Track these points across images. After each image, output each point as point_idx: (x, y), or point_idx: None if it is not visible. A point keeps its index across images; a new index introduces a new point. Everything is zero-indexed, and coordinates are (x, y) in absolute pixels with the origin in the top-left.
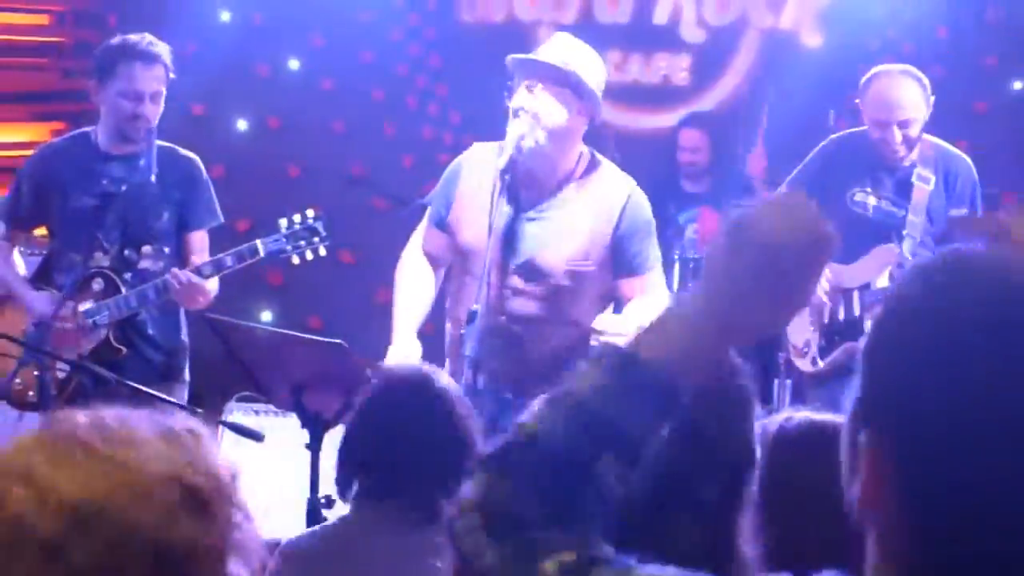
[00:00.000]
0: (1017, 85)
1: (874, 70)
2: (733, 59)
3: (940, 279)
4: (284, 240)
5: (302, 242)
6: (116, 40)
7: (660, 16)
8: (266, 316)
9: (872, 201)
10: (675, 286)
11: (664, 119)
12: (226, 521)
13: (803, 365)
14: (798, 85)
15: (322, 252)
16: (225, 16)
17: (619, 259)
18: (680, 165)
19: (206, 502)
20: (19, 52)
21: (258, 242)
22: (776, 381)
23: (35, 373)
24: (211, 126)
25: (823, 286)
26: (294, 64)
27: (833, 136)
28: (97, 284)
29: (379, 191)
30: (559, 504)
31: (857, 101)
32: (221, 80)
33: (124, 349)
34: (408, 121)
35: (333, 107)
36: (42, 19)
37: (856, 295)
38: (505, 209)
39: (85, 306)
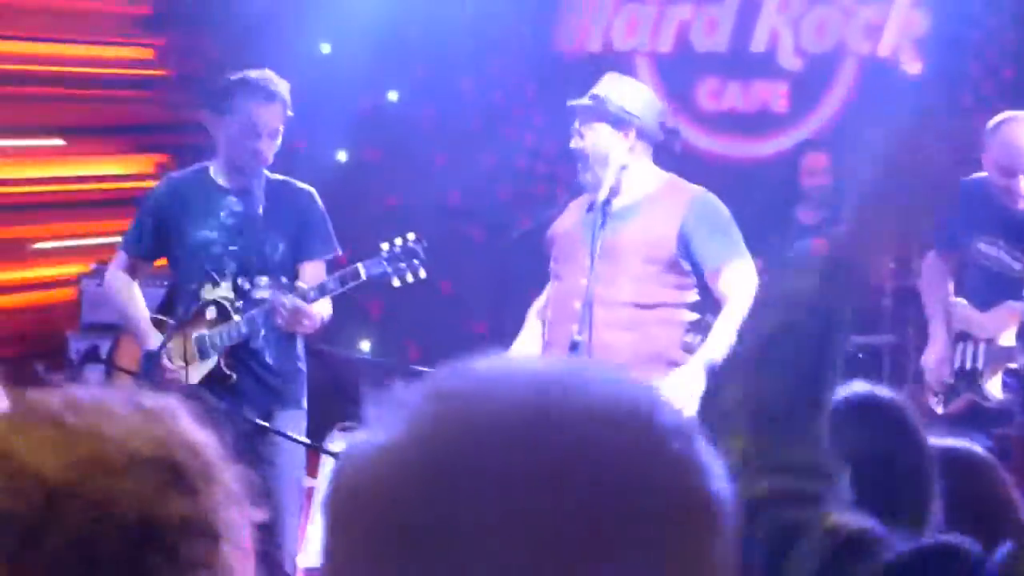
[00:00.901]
0: None
1: (1000, 116)
2: (831, 86)
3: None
4: (385, 263)
5: (402, 264)
6: (237, 75)
7: (758, 44)
8: (366, 346)
9: (996, 252)
10: None
11: (762, 147)
12: (215, 499)
13: (936, 406)
14: (897, 113)
15: (422, 275)
16: (326, 48)
17: (692, 253)
18: (803, 190)
19: (191, 478)
20: (124, 85)
21: (359, 265)
22: None
23: None
24: (311, 158)
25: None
26: (393, 96)
27: (962, 182)
28: (210, 313)
29: (476, 222)
30: (813, 392)
31: (986, 143)
32: (321, 112)
33: (234, 375)
34: (505, 151)
35: (431, 138)
36: (146, 52)
37: (982, 347)
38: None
39: (198, 333)
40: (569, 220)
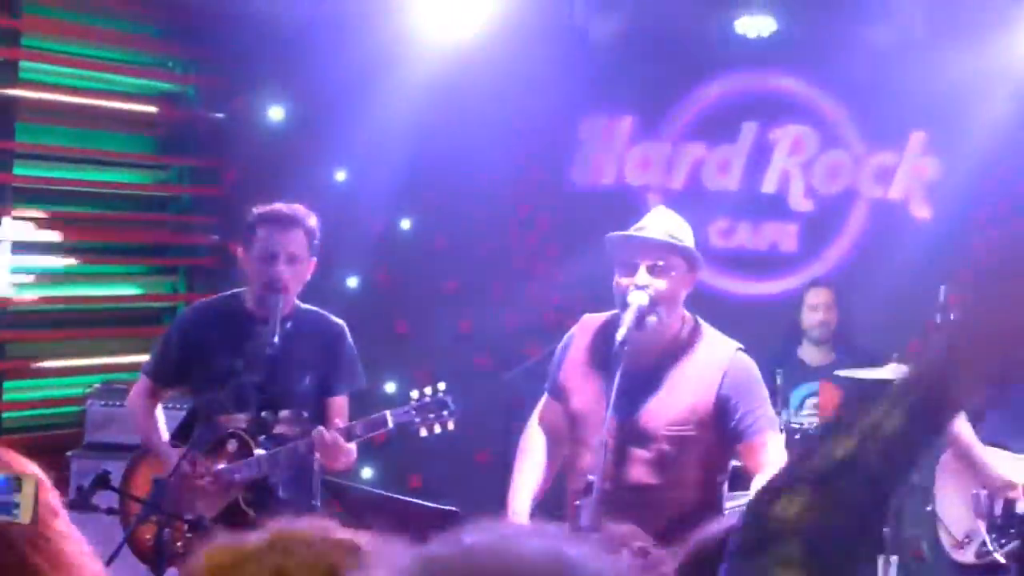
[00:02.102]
0: None
1: None
2: (842, 229)
3: None
4: (413, 412)
5: (431, 415)
6: (258, 208)
7: (769, 185)
8: (367, 473)
9: None
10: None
11: (771, 287)
12: None
13: (962, 556)
14: (908, 257)
15: (450, 427)
16: (340, 175)
17: (725, 422)
18: (803, 330)
19: None
20: (138, 206)
21: (388, 413)
22: (880, 558)
23: (155, 529)
24: (323, 282)
25: (993, 481)
26: (406, 223)
27: None
28: (231, 445)
29: (483, 350)
30: (871, 528)
31: None
32: (335, 237)
33: (252, 513)
34: (515, 281)
35: (443, 265)
36: (161, 174)
37: None
38: (617, 378)
39: (219, 466)
40: (583, 358)
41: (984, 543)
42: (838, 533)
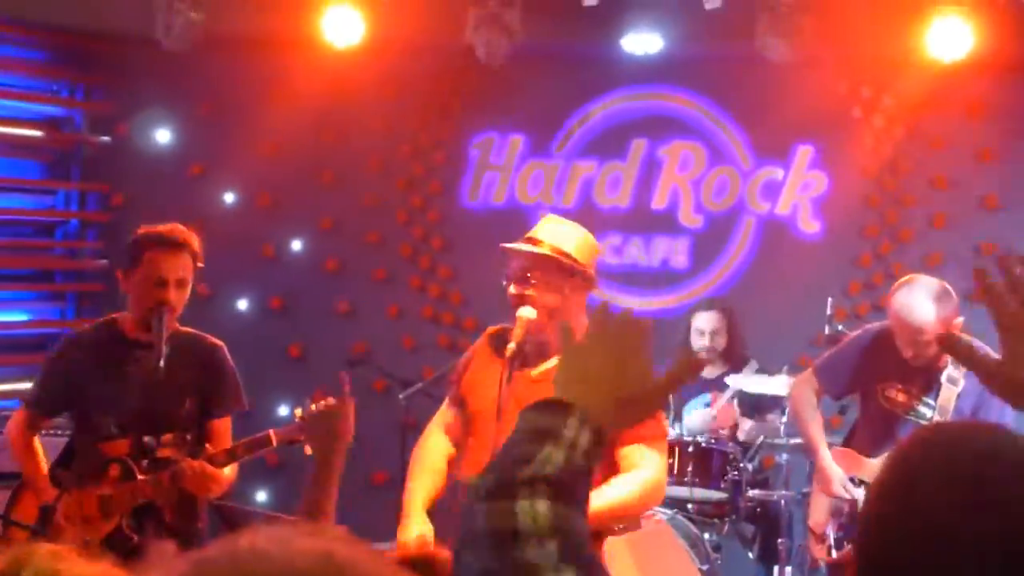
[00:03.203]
0: None
1: (906, 279)
2: (731, 244)
3: (909, 458)
4: (298, 431)
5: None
6: (144, 230)
7: (659, 201)
8: (261, 496)
9: (902, 399)
10: (676, 468)
11: (663, 301)
12: None
13: (818, 552)
14: (796, 271)
15: None
16: (229, 197)
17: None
18: (693, 351)
19: None
20: (25, 232)
21: (271, 432)
22: (776, 568)
23: None
24: (215, 305)
25: (843, 480)
26: (297, 245)
27: (870, 328)
28: (114, 470)
29: (378, 371)
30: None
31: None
32: (225, 260)
33: (136, 537)
34: (410, 301)
35: (336, 287)
36: (47, 199)
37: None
38: (510, 384)
39: (101, 492)
40: (482, 371)
41: (830, 544)
42: (579, 532)
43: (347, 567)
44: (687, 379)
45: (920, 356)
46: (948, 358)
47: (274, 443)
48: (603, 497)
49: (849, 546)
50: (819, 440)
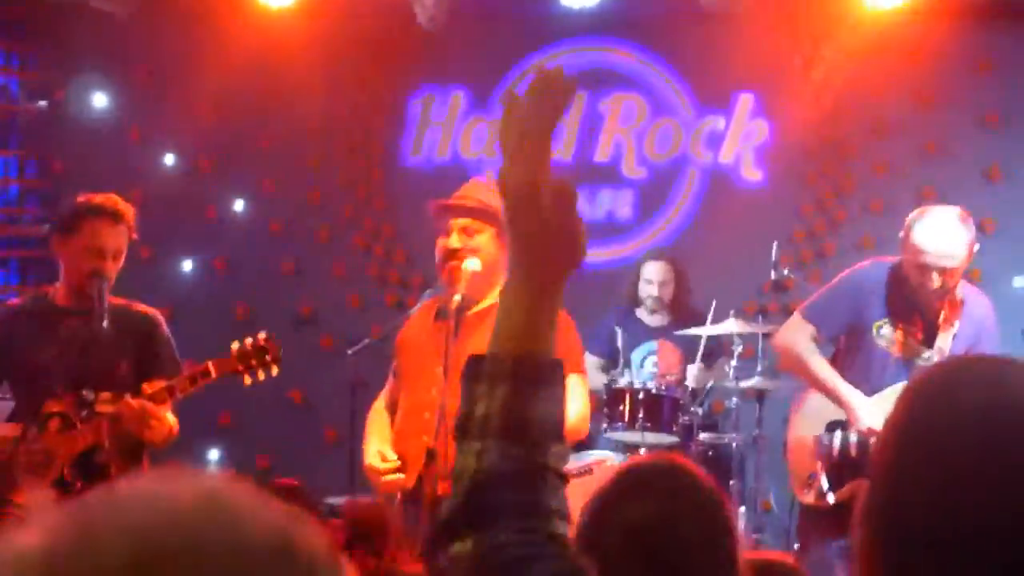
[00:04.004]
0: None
1: (924, 210)
2: (675, 194)
3: (929, 395)
4: (236, 360)
5: (254, 361)
6: (83, 199)
7: (602, 154)
8: (214, 455)
9: (898, 336)
10: (627, 415)
11: (609, 252)
12: None
13: (807, 497)
14: (741, 219)
15: (274, 372)
16: (170, 160)
17: None
18: (641, 299)
19: None
20: None
21: (210, 363)
22: None
23: None
24: (158, 267)
25: (868, 417)
26: (240, 205)
27: (862, 266)
28: (54, 424)
29: (326, 330)
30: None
31: (900, 234)
32: (167, 223)
33: (78, 484)
34: (355, 260)
35: (280, 248)
36: None
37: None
38: (451, 341)
39: (42, 445)
40: (417, 328)
41: (820, 485)
42: (514, 539)
43: (232, 506)
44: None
45: (943, 286)
46: (953, 296)
47: (213, 375)
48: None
49: (848, 486)
50: (836, 378)
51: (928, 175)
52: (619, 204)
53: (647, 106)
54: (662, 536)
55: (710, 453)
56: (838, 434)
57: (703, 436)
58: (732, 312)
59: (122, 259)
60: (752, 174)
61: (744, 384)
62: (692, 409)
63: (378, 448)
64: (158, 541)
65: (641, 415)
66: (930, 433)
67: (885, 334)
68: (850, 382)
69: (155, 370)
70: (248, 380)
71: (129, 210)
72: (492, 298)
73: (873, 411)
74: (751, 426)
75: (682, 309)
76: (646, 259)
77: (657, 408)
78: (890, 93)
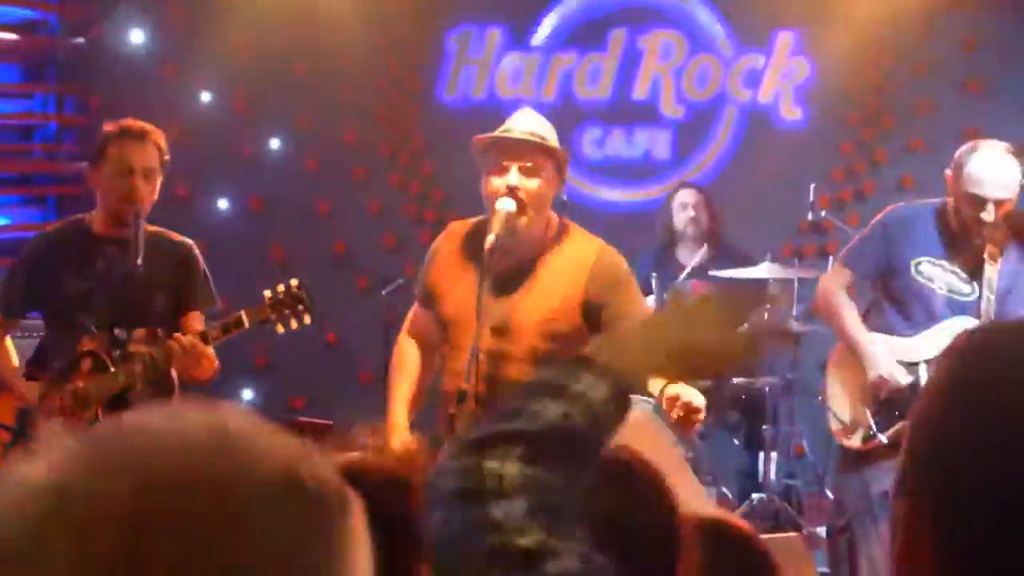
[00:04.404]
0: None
1: (975, 144)
2: (713, 134)
3: (977, 356)
4: (268, 309)
5: (287, 311)
6: (107, 126)
7: (640, 92)
8: (248, 395)
9: (939, 274)
10: None
11: (645, 193)
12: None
13: (851, 442)
14: (779, 159)
15: (307, 321)
16: (206, 97)
17: (594, 315)
18: (675, 231)
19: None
20: (3, 136)
21: (242, 313)
22: (761, 455)
23: None
24: (194, 207)
25: (878, 367)
26: (276, 144)
27: (898, 207)
28: (86, 365)
29: (361, 270)
30: (580, 485)
31: (948, 172)
32: (203, 161)
33: None
34: (390, 199)
35: (316, 186)
36: (25, 103)
37: (923, 368)
38: (488, 282)
39: (74, 386)
40: (450, 264)
41: (870, 427)
42: (554, 491)
43: (241, 439)
44: (761, 351)
45: (995, 220)
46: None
47: (246, 324)
48: None
49: (899, 426)
50: (860, 328)
51: (970, 115)
52: (656, 143)
53: (686, 43)
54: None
55: (743, 397)
56: (889, 375)
57: (736, 380)
58: (768, 255)
59: (156, 181)
60: (792, 113)
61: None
62: None
63: (401, 438)
64: (166, 473)
65: None
66: (980, 395)
67: (924, 271)
68: (892, 324)
69: (191, 300)
70: (280, 329)
71: (156, 131)
72: (530, 251)
73: (888, 361)
74: (786, 370)
75: (719, 243)
76: (676, 190)
77: None
78: (932, 32)
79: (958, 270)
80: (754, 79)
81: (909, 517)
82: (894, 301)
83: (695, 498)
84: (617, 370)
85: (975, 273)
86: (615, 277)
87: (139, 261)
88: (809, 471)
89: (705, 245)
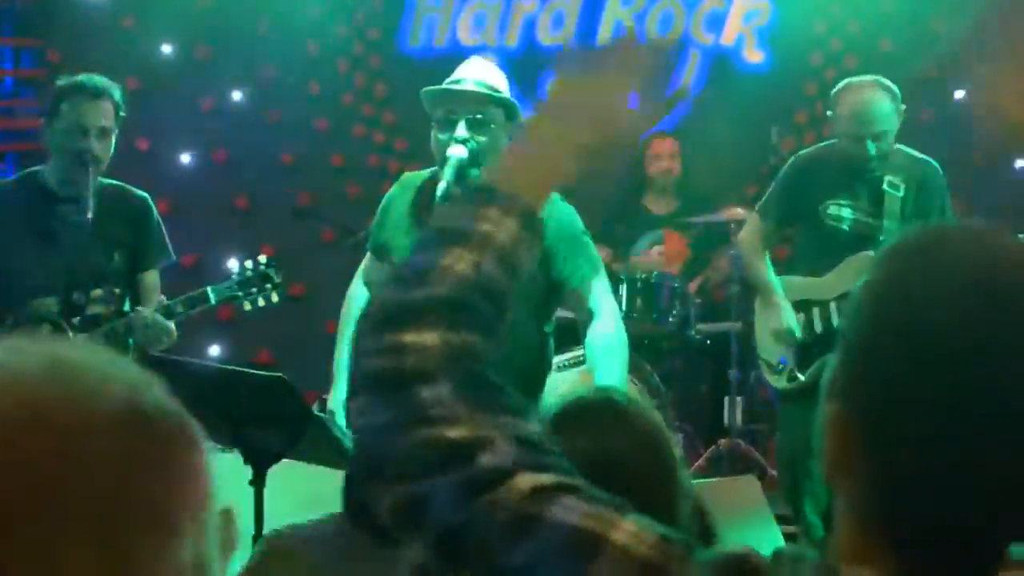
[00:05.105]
0: (958, 95)
1: (846, 82)
2: (676, 78)
3: (907, 261)
4: (236, 287)
5: (254, 289)
6: (64, 79)
7: (603, 36)
8: (214, 350)
9: (847, 213)
10: (624, 305)
11: None
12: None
13: (778, 382)
14: (743, 102)
15: (275, 299)
16: (167, 49)
17: (548, 268)
18: (649, 178)
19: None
20: None
21: (208, 289)
22: (726, 399)
23: None
24: (156, 160)
25: (778, 320)
26: (238, 96)
27: (802, 153)
28: (44, 330)
29: (327, 221)
30: (498, 344)
31: (828, 112)
32: (165, 114)
33: None
34: (354, 150)
35: (279, 138)
36: None
37: (833, 305)
38: None
39: None
40: (403, 215)
41: (792, 368)
42: (478, 357)
43: (78, 373)
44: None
45: (879, 152)
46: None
47: (212, 300)
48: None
49: (817, 363)
50: (773, 286)
51: (932, 56)
52: None
53: None
54: (598, 477)
55: (708, 342)
56: (802, 315)
57: (701, 326)
58: (733, 198)
59: (110, 138)
60: (754, 56)
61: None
62: (690, 298)
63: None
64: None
65: (638, 304)
66: (909, 301)
67: (833, 212)
68: (808, 266)
69: (146, 257)
70: (248, 306)
71: (112, 85)
72: None
73: (786, 315)
74: (750, 315)
75: (687, 194)
76: (651, 139)
77: (654, 297)
78: None
79: (862, 205)
80: (716, 22)
81: (839, 423)
82: (808, 243)
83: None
84: (521, 196)
85: (877, 205)
86: (570, 226)
87: (88, 216)
88: (774, 416)
89: (673, 193)
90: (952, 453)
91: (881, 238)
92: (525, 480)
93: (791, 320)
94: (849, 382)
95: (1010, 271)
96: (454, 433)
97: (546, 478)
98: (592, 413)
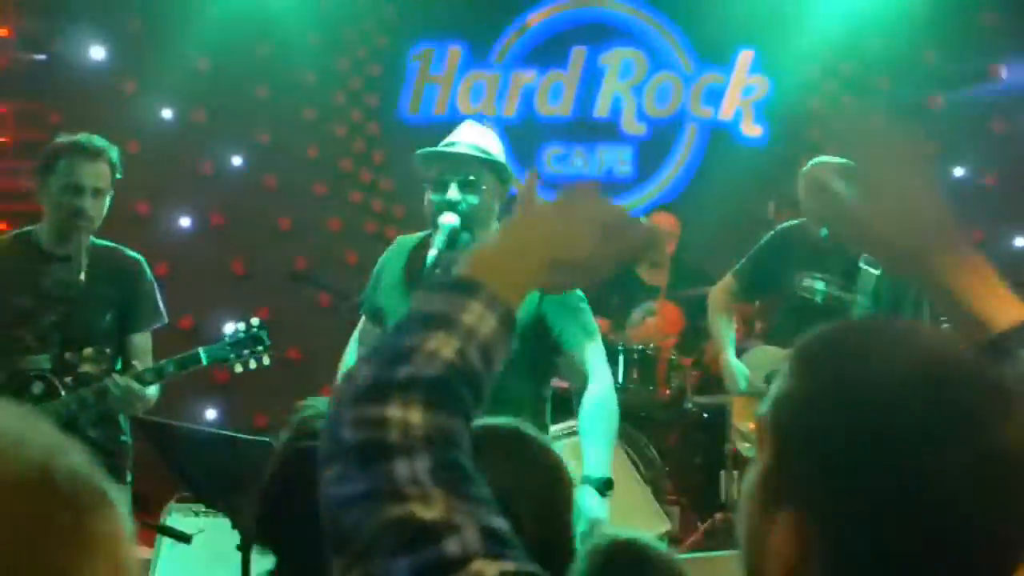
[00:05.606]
0: (957, 171)
1: (811, 163)
2: (675, 151)
3: (843, 364)
4: (228, 349)
5: (245, 351)
6: (60, 138)
7: (601, 110)
8: (211, 414)
9: (820, 286)
10: (620, 376)
11: None
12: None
13: (745, 452)
14: (740, 176)
15: (266, 362)
16: (167, 114)
17: (544, 334)
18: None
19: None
20: None
21: (200, 350)
22: (722, 473)
23: None
24: (155, 223)
25: (745, 376)
26: (237, 160)
27: (783, 225)
28: (37, 387)
29: (323, 286)
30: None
31: (799, 187)
32: (164, 178)
33: None
34: (352, 216)
35: (277, 203)
36: None
37: None
38: None
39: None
40: (397, 280)
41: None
42: (455, 440)
43: None
44: (640, 252)
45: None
46: None
47: (204, 361)
48: (601, 448)
49: None
50: (725, 339)
51: (928, 127)
52: (618, 161)
53: (647, 61)
54: (502, 502)
55: (704, 415)
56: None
57: (697, 398)
58: (729, 272)
59: (104, 199)
60: (752, 130)
61: (743, 345)
62: (686, 370)
63: None
64: None
65: (635, 376)
66: (850, 403)
67: (806, 285)
68: (782, 336)
69: (138, 319)
70: (239, 368)
71: (109, 147)
72: None
73: (734, 365)
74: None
75: (683, 263)
76: (653, 212)
77: (651, 368)
78: (889, 48)
79: (836, 279)
80: (715, 96)
81: (795, 530)
82: (783, 315)
83: (648, 518)
84: (503, 296)
85: (850, 280)
86: (566, 295)
87: (81, 277)
88: None
89: (667, 268)
90: (913, 549)
91: (855, 312)
92: (488, 568)
93: (736, 371)
94: (801, 485)
95: (952, 368)
96: (426, 514)
97: (509, 566)
98: (491, 446)
